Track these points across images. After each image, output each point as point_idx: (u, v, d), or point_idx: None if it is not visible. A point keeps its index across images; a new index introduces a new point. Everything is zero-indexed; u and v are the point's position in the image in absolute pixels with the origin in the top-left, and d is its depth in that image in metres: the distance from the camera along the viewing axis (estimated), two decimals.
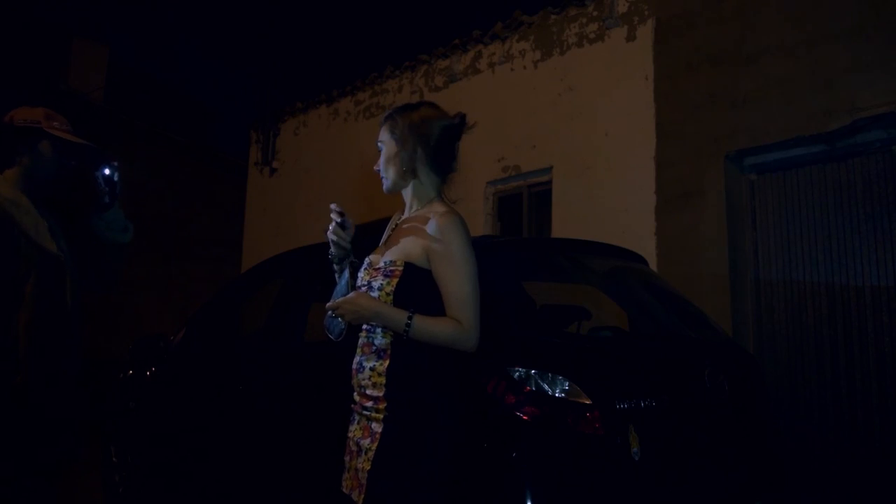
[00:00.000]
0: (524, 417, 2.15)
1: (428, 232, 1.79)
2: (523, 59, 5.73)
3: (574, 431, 2.16)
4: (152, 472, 3.76)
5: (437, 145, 1.89)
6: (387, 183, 1.94)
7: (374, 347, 1.80)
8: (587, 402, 2.19)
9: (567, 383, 2.21)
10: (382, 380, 1.76)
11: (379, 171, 1.96)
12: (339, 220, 1.87)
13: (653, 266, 4.37)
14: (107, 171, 2.21)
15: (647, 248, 4.48)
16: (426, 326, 1.72)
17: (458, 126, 1.92)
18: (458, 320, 1.74)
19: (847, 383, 3.95)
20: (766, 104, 4.23)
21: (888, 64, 3.80)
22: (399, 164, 1.89)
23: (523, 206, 5.61)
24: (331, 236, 1.90)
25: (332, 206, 1.88)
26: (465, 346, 1.75)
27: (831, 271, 4.08)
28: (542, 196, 5.54)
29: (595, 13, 5.28)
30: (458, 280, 1.75)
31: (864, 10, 3.92)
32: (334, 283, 2.00)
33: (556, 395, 2.20)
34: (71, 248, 2.23)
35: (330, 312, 1.85)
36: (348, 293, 1.86)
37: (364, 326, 1.84)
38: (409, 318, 1.72)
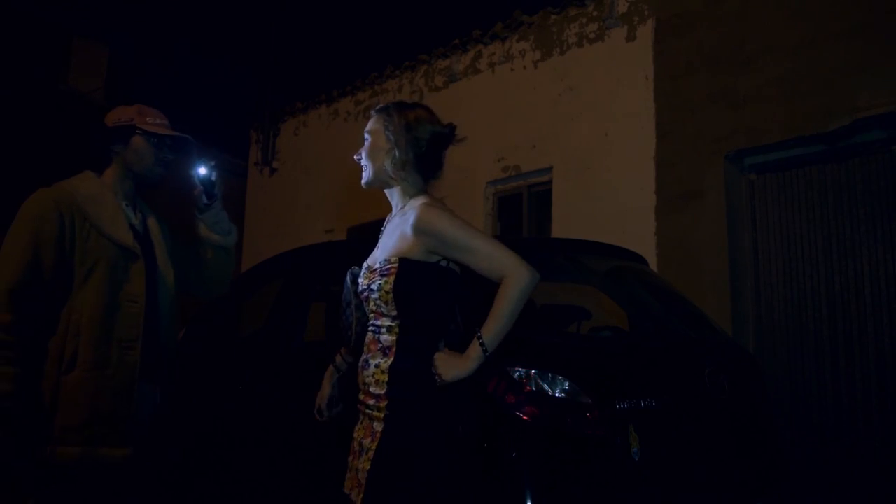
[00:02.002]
0: (524, 417, 2.15)
1: (412, 227, 1.79)
2: (523, 59, 5.73)
3: (574, 431, 2.16)
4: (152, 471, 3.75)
5: (426, 150, 1.89)
6: (367, 175, 1.94)
7: (380, 345, 1.79)
8: (587, 402, 2.19)
9: (567, 383, 2.21)
10: (385, 377, 1.76)
11: (360, 160, 1.95)
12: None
13: (653, 266, 4.37)
14: (202, 171, 2.21)
15: (647, 248, 4.48)
16: (493, 324, 1.72)
17: (448, 135, 1.93)
18: (504, 277, 1.72)
19: (847, 383, 3.95)
20: (766, 104, 4.23)
21: (888, 64, 3.80)
22: (389, 162, 1.88)
23: (523, 206, 5.61)
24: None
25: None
26: (531, 283, 1.72)
27: (831, 271, 4.08)
28: (542, 196, 5.54)
29: (595, 13, 5.28)
30: (471, 248, 1.75)
31: (864, 10, 3.92)
32: (335, 283, 2.02)
33: (556, 395, 2.20)
34: (175, 248, 2.26)
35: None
36: (352, 301, 1.89)
37: (370, 328, 1.85)
38: (479, 338, 1.71)
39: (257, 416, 3.12)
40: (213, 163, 2.24)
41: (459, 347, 1.77)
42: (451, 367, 1.73)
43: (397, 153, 1.87)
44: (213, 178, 2.23)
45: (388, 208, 2.00)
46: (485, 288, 1.79)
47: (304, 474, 2.82)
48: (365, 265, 1.93)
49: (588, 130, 5.15)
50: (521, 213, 5.61)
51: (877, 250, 3.93)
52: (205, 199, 2.25)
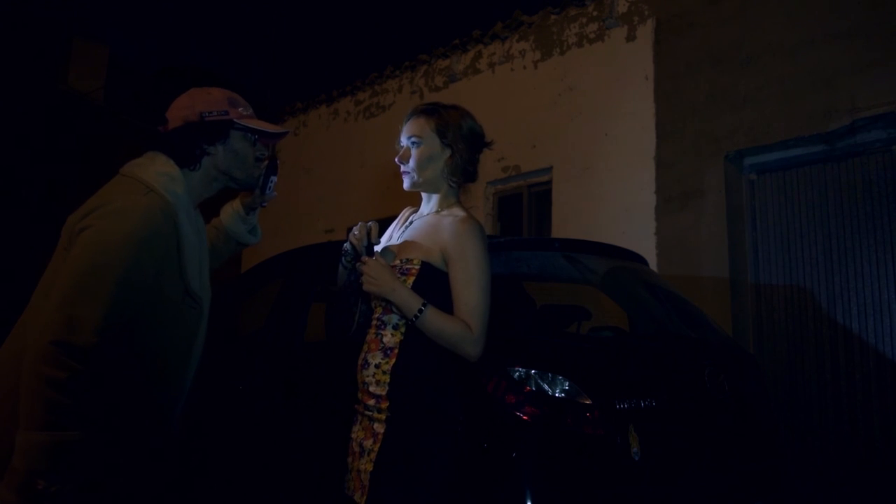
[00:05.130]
0: (524, 417, 2.15)
1: (447, 234, 1.78)
2: (523, 59, 5.74)
3: (574, 431, 2.16)
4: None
5: (477, 154, 1.92)
6: (416, 180, 1.89)
7: (382, 345, 1.78)
8: (587, 402, 2.19)
9: (567, 383, 2.21)
10: (387, 378, 1.75)
11: (404, 165, 1.89)
12: (365, 241, 1.80)
13: (653, 266, 4.37)
14: (275, 176, 1.97)
15: (647, 248, 4.48)
16: (437, 320, 1.70)
17: (483, 136, 1.94)
18: (467, 323, 1.72)
19: (847, 383, 3.95)
20: (766, 104, 4.24)
21: (888, 64, 3.80)
22: (447, 168, 1.87)
23: (523, 206, 5.61)
24: (352, 240, 1.84)
25: (369, 224, 1.82)
26: (468, 352, 1.72)
27: (831, 271, 4.08)
28: (542, 196, 5.54)
29: (595, 13, 5.28)
30: (469, 286, 1.74)
31: (864, 10, 3.93)
32: (335, 283, 2.00)
33: (556, 395, 2.20)
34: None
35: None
36: (359, 289, 1.85)
37: (375, 323, 1.83)
38: (424, 305, 1.70)
39: (257, 416, 3.12)
40: (277, 161, 2.00)
41: (450, 357, 1.76)
42: (382, 278, 1.71)
43: (457, 159, 1.86)
44: (275, 179, 1.99)
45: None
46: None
47: (303, 475, 2.82)
48: (378, 256, 1.89)
49: (588, 130, 5.15)
50: (521, 213, 5.61)
51: (877, 250, 3.93)
52: (264, 204, 2.04)
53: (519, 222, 5.63)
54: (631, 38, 5.02)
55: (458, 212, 1.86)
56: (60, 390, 1.41)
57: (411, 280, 1.76)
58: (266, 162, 1.93)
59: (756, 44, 4.34)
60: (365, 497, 1.70)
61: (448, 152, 1.87)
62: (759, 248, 4.42)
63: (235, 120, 1.74)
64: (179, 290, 1.65)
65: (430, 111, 1.90)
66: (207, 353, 1.93)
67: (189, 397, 1.83)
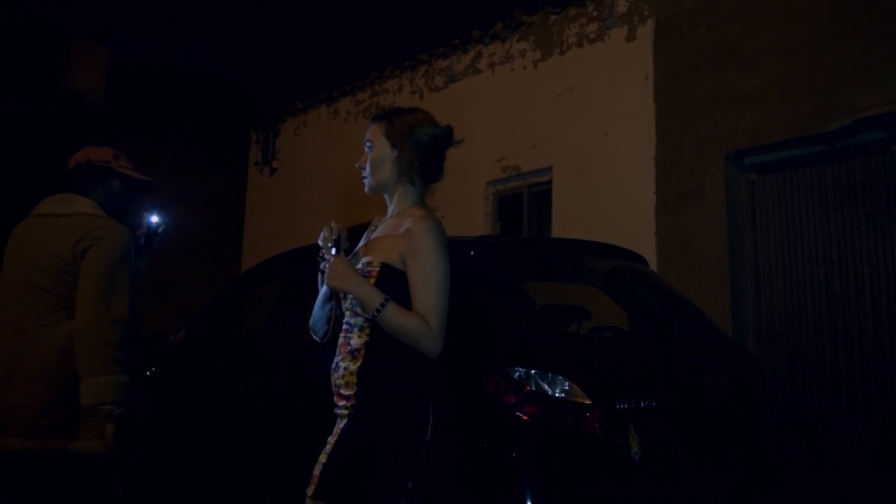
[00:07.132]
0: (524, 417, 2.15)
1: (403, 234, 1.82)
2: (523, 59, 5.73)
3: (574, 431, 2.16)
4: (152, 472, 3.76)
5: (431, 154, 1.92)
6: (371, 183, 1.96)
7: (350, 348, 1.83)
8: (587, 402, 2.19)
9: (567, 383, 2.21)
10: (354, 379, 1.78)
11: (363, 169, 1.97)
12: (331, 242, 1.85)
13: (653, 266, 4.37)
14: (155, 219, 2.53)
15: (647, 248, 4.48)
16: (396, 315, 1.74)
17: (447, 137, 1.95)
18: (424, 319, 1.75)
19: (847, 383, 3.95)
20: (766, 104, 4.23)
21: (888, 64, 3.80)
22: (395, 169, 1.91)
23: (523, 206, 5.61)
24: (320, 241, 1.89)
25: (335, 225, 1.87)
26: (427, 348, 1.75)
27: (831, 271, 4.08)
28: (542, 196, 5.54)
29: (595, 13, 5.28)
30: (425, 284, 1.77)
31: (864, 10, 3.92)
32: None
33: (556, 395, 2.20)
34: None
35: (316, 320, 1.92)
36: (333, 296, 1.92)
37: (344, 327, 1.87)
38: (385, 300, 1.74)
39: (256, 416, 3.12)
40: (165, 217, 2.56)
41: (416, 358, 1.78)
42: (345, 274, 1.76)
43: (403, 160, 1.90)
44: (160, 229, 2.54)
45: (387, 208, 2.01)
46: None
47: (303, 475, 2.81)
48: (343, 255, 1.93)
49: (588, 130, 5.15)
50: (521, 213, 5.61)
51: (877, 250, 3.93)
52: (142, 241, 2.55)
53: (519, 222, 5.63)
54: (631, 38, 5.01)
55: (416, 212, 1.89)
56: (115, 348, 2.16)
57: (371, 282, 1.79)
58: (145, 214, 2.58)
59: (756, 44, 4.33)
60: (313, 487, 1.71)
61: (395, 153, 1.91)
62: (759, 248, 4.41)
63: (114, 167, 2.42)
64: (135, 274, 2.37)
65: (382, 117, 1.96)
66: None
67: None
